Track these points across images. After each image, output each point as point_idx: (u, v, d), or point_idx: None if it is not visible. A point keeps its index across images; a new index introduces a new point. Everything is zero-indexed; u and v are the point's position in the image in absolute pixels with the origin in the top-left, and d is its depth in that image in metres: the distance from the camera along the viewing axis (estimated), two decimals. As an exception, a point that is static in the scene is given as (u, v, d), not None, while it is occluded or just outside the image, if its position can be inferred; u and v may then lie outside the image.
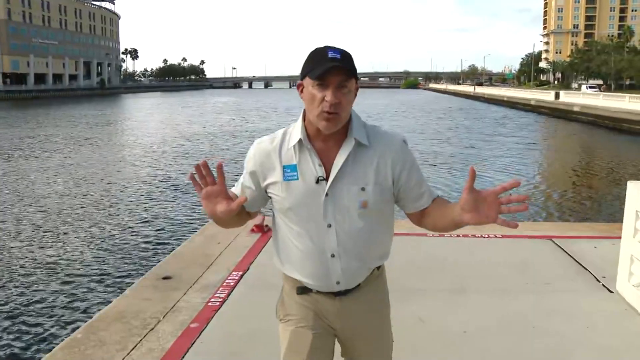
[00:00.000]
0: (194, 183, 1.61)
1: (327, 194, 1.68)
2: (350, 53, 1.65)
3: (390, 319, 1.94)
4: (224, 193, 1.62)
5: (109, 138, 29.11)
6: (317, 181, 1.67)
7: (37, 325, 6.07)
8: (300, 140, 1.68)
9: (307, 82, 1.63)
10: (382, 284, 1.90)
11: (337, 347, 1.90)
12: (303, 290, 1.80)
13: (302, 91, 1.67)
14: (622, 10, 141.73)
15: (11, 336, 5.78)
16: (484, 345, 3.33)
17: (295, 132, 1.71)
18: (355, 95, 1.67)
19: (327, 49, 1.62)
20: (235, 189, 1.79)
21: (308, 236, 1.72)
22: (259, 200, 1.78)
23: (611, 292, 4.11)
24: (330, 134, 1.66)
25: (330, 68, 1.57)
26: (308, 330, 1.80)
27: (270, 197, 1.77)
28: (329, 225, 1.70)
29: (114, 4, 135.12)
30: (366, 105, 59.47)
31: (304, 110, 1.69)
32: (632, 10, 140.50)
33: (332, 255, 1.72)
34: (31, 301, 6.76)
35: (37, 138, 27.24)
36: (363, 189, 1.67)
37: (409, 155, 1.73)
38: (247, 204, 1.72)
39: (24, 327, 6.00)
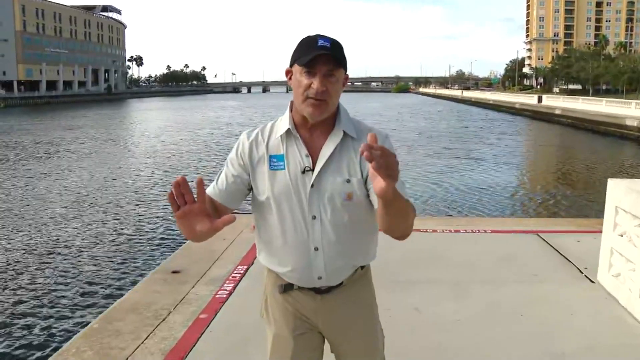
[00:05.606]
0: (172, 202, 1.40)
1: (312, 185, 1.57)
2: (341, 43, 1.53)
3: (378, 316, 1.81)
4: (204, 211, 1.43)
5: (137, 138, 29.30)
6: (304, 171, 1.57)
7: (56, 314, 6.09)
8: (288, 130, 1.59)
9: (296, 68, 1.54)
10: (366, 283, 1.77)
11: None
12: (285, 288, 1.70)
13: (290, 78, 1.57)
14: (598, 21, 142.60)
15: (32, 326, 5.79)
16: (476, 331, 3.35)
17: (283, 122, 1.62)
18: (344, 85, 1.56)
19: (317, 37, 1.51)
20: (210, 190, 1.62)
21: (292, 228, 1.60)
22: (240, 194, 1.64)
23: (592, 282, 4.15)
24: (317, 124, 1.57)
25: (318, 56, 1.47)
26: (289, 334, 1.71)
27: (251, 191, 1.65)
28: (314, 217, 1.58)
29: (120, 14, 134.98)
30: (365, 108, 59.13)
31: (291, 101, 1.60)
32: (606, 21, 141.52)
33: (316, 249, 1.61)
34: (50, 292, 6.80)
35: (56, 139, 27.16)
36: (348, 180, 1.56)
37: (388, 147, 1.55)
38: (227, 200, 1.61)
39: (44, 316, 6.03)
